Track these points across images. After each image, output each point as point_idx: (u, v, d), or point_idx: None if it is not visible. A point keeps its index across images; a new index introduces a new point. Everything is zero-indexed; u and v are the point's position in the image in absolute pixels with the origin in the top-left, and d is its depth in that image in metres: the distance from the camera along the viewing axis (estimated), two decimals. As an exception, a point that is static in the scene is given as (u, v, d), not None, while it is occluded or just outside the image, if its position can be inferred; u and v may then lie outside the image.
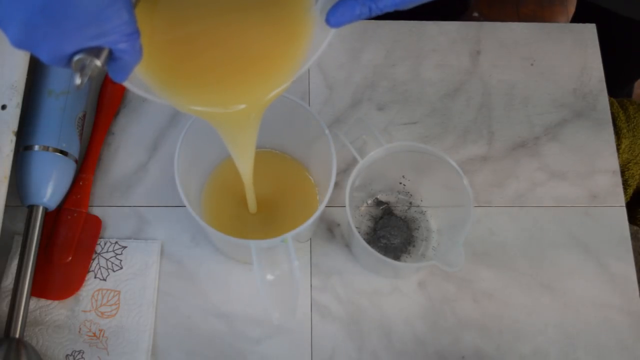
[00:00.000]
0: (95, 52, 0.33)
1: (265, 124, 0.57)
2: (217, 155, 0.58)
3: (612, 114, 0.67)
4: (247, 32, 0.42)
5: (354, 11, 0.37)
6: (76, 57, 0.33)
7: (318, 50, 0.38)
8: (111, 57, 0.34)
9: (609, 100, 0.67)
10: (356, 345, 0.57)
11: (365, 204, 0.62)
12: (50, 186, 0.57)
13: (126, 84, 0.37)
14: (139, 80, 0.39)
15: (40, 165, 0.57)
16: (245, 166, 0.49)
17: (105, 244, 0.59)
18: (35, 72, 0.60)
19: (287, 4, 0.42)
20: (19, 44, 0.33)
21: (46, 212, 0.57)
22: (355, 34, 0.69)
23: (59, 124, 0.58)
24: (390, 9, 0.37)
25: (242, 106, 0.40)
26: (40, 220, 0.56)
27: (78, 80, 0.33)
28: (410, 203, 0.61)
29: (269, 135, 0.59)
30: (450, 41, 0.69)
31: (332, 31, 0.38)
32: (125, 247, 0.59)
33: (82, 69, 0.33)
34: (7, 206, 0.54)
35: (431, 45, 0.68)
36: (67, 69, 0.59)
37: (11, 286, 0.56)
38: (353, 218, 0.53)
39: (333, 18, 0.37)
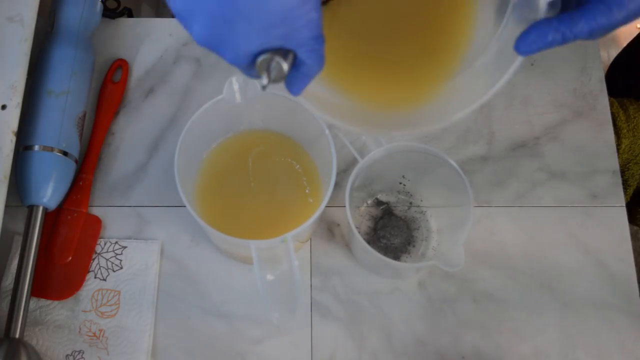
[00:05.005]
0: (281, 53, 0.32)
1: (266, 124, 0.58)
2: (207, 151, 0.58)
3: (612, 114, 0.67)
4: (416, 56, 0.42)
5: (546, 38, 0.35)
6: (261, 57, 0.32)
7: (502, 79, 0.36)
8: (294, 63, 0.33)
9: (609, 100, 0.67)
10: (356, 345, 0.57)
11: (365, 204, 0.62)
12: (50, 186, 0.57)
13: (302, 100, 0.36)
14: (314, 98, 0.38)
15: (40, 165, 0.57)
16: None
17: (105, 244, 0.59)
18: (35, 72, 0.60)
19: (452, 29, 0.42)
20: (204, 40, 0.33)
21: (46, 212, 0.57)
22: (355, 34, 0.69)
23: (59, 124, 0.58)
24: (584, 37, 0.35)
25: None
26: (40, 220, 0.56)
27: (265, 81, 0.32)
28: (410, 203, 0.61)
29: (269, 134, 0.59)
30: (450, 41, 0.69)
31: (519, 58, 0.36)
32: (125, 247, 0.59)
33: (267, 70, 0.32)
34: (7, 206, 0.54)
35: (431, 45, 0.68)
36: (67, 71, 0.59)
37: (11, 286, 0.56)
38: (353, 218, 0.52)
39: (524, 45, 0.35)
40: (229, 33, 0.32)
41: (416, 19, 0.43)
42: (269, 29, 0.31)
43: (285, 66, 0.32)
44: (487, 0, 0.41)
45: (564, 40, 0.35)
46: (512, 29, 0.38)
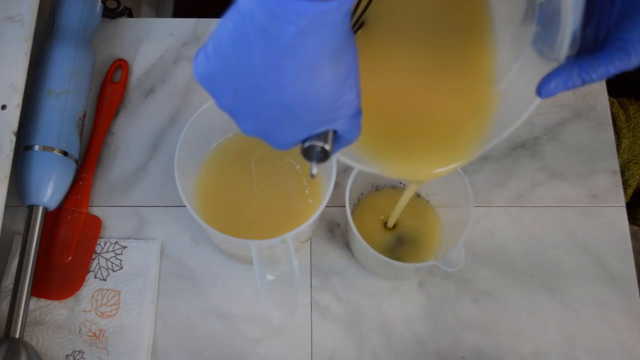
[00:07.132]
0: (323, 136, 0.33)
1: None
2: (207, 151, 0.58)
3: (612, 114, 0.67)
4: (436, 101, 0.44)
5: (567, 83, 0.36)
6: (307, 144, 0.33)
7: (519, 119, 0.39)
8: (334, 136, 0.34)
9: (609, 100, 0.67)
10: (356, 345, 0.57)
11: (365, 204, 0.62)
12: (50, 186, 0.57)
13: (338, 155, 0.39)
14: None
15: (40, 165, 0.57)
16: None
17: (105, 244, 0.59)
18: (35, 72, 0.60)
19: (472, 75, 0.43)
20: (250, 133, 0.34)
21: (46, 212, 0.57)
22: (355, 34, 0.69)
23: (59, 124, 0.58)
24: (602, 79, 0.37)
25: (440, 172, 0.43)
26: (40, 220, 0.56)
27: (315, 170, 0.34)
28: (410, 203, 0.61)
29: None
30: (450, 41, 0.69)
31: (537, 100, 0.38)
32: (125, 247, 0.59)
33: (314, 156, 0.33)
34: (7, 206, 0.54)
35: (431, 45, 0.68)
36: (67, 71, 0.59)
37: (11, 286, 0.56)
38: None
39: (545, 90, 0.37)
40: (275, 128, 0.33)
41: (440, 73, 0.44)
42: (315, 121, 0.32)
43: (328, 147, 0.33)
44: (504, 37, 0.43)
45: (583, 84, 0.37)
46: (529, 69, 0.40)
